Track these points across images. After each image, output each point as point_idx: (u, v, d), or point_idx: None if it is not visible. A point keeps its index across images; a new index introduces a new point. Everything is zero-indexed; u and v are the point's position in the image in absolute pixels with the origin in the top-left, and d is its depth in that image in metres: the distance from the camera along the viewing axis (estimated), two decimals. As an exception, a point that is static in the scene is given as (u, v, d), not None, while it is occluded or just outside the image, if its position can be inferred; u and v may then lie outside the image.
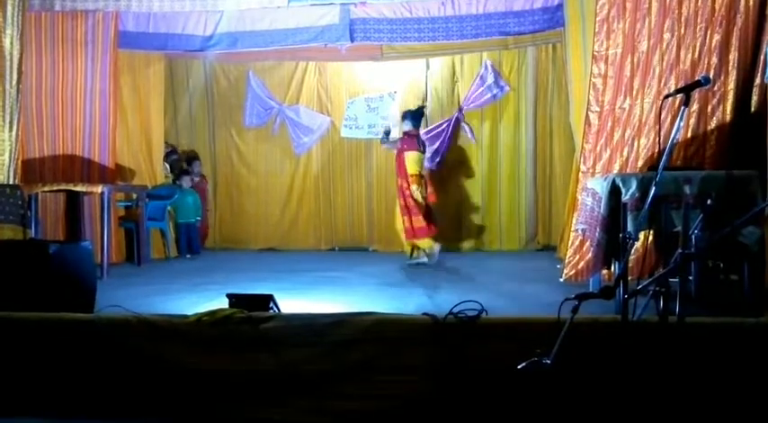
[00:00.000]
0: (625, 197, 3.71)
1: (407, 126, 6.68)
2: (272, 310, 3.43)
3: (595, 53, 4.90)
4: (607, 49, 4.85)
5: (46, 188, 5.80)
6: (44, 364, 3.22)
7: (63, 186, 5.87)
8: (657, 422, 2.55)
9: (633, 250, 4.17)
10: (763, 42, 4.36)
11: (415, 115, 6.79)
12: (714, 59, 4.48)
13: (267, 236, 8.46)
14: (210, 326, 3.20)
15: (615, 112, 4.83)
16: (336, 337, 3.15)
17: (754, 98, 4.39)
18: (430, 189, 6.81)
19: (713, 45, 4.48)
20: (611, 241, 3.88)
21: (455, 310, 3.12)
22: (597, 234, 4.01)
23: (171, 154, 8.09)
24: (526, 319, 3.21)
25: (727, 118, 4.45)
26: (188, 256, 7.46)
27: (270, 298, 3.48)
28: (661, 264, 3.80)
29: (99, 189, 5.84)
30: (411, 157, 6.52)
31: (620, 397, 2.54)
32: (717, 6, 4.47)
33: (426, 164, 7.95)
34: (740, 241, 3.49)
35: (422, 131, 7.94)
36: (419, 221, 6.40)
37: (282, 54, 8.01)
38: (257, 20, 6.79)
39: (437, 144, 7.91)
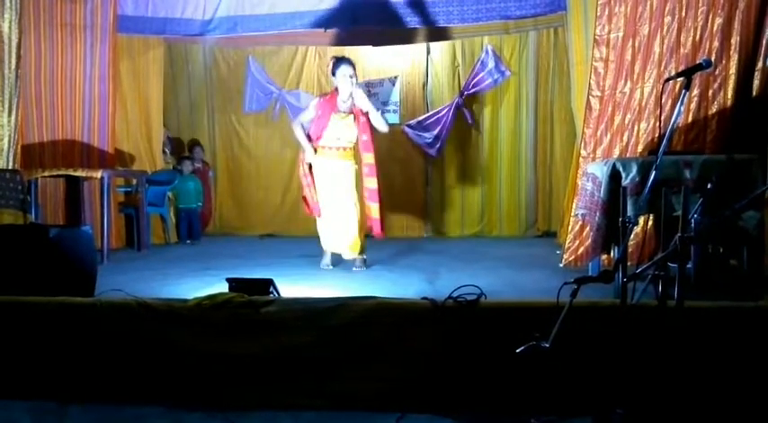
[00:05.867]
0: (625, 181, 3.71)
1: None
2: (272, 295, 3.44)
3: (597, 37, 4.87)
4: (608, 33, 4.81)
5: (45, 173, 5.79)
6: (45, 347, 3.23)
7: (63, 171, 5.85)
8: (655, 405, 2.57)
9: (633, 235, 4.17)
10: (765, 26, 4.32)
11: None
12: (715, 43, 4.44)
13: (268, 222, 8.46)
14: (210, 310, 3.21)
15: (616, 97, 4.80)
16: (336, 320, 3.16)
17: (756, 82, 4.35)
18: None
19: (715, 28, 4.45)
20: (611, 226, 3.88)
21: (454, 294, 3.13)
22: (597, 218, 4.01)
23: (169, 141, 8.08)
24: (525, 302, 3.21)
25: (729, 102, 4.43)
26: (188, 241, 7.45)
27: (270, 282, 3.49)
28: (660, 248, 3.80)
29: (98, 174, 5.83)
30: None
31: (619, 380, 2.55)
32: (719, -11, 4.43)
33: (427, 149, 7.98)
34: (740, 225, 3.49)
35: (422, 117, 7.99)
36: None
37: (282, 38, 7.97)
38: (257, 4, 6.76)
39: (438, 129, 7.89)
